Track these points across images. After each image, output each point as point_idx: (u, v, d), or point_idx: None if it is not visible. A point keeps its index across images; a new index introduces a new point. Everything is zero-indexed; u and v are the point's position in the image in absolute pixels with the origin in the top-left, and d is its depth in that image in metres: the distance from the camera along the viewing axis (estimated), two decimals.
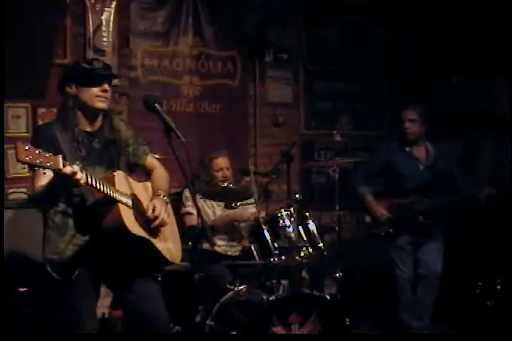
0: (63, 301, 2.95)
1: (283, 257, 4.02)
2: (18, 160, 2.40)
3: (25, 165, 2.53)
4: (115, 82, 4.61)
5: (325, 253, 4.22)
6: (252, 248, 4.16)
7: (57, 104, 3.08)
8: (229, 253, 4.50)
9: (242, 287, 3.98)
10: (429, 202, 4.53)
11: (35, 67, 4.68)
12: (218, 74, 5.55)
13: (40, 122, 4.66)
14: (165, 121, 2.93)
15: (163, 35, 5.30)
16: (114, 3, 4.99)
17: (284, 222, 4.12)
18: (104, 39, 4.95)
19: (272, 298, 3.78)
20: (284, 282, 4.04)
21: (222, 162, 4.57)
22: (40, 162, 2.44)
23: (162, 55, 5.31)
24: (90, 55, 4.85)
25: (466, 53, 5.76)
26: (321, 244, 4.20)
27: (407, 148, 4.69)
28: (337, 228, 4.72)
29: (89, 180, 2.71)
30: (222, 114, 5.55)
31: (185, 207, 4.51)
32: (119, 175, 2.97)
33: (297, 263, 4.17)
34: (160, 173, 3.26)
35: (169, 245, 3.17)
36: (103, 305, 4.19)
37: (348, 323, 3.81)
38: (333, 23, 6.00)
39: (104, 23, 4.95)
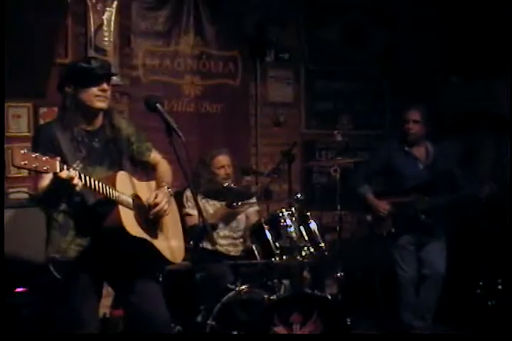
0: (65, 301, 2.95)
1: (284, 257, 4.03)
2: (14, 166, 2.39)
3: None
4: (116, 81, 4.65)
5: (326, 253, 4.21)
6: (254, 247, 4.17)
7: (58, 104, 3.07)
8: (231, 253, 4.50)
9: (243, 287, 3.98)
10: (430, 200, 4.53)
11: (36, 66, 4.67)
12: (219, 74, 5.55)
13: (42, 121, 4.66)
14: (166, 121, 2.92)
15: (165, 34, 5.29)
16: (116, 2, 4.99)
17: (285, 221, 4.12)
18: (106, 39, 4.95)
19: (274, 297, 3.78)
20: (286, 282, 4.04)
21: (223, 159, 4.58)
22: (36, 166, 2.42)
23: (163, 55, 5.31)
24: (91, 54, 4.84)
25: (466, 53, 5.76)
26: (322, 244, 4.19)
27: (407, 148, 4.69)
28: (338, 228, 4.72)
29: (88, 182, 2.69)
30: (223, 113, 5.54)
31: (185, 207, 4.51)
32: (122, 176, 2.96)
33: (298, 263, 4.17)
34: (164, 167, 3.26)
35: (172, 243, 3.17)
36: (104, 304, 4.19)
37: (349, 323, 3.81)
38: (333, 23, 6.00)
39: (105, 22, 4.95)
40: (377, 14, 6.13)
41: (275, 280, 3.99)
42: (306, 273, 4.47)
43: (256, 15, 5.60)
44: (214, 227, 4.39)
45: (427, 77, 5.87)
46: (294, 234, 4.09)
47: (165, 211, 3.09)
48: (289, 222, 4.12)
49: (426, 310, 4.69)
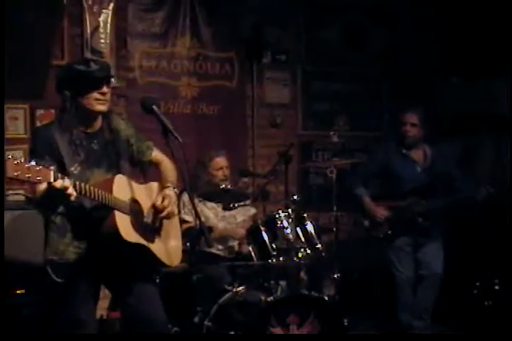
0: (62, 303, 2.95)
1: (281, 258, 4.03)
2: (7, 177, 2.35)
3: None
4: (113, 83, 4.63)
5: (323, 254, 4.21)
6: (250, 249, 4.17)
7: (56, 106, 3.06)
8: (227, 255, 4.51)
9: (240, 288, 3.98)
10: (428, 203, 4.53)
11: (34, 68, 4.68)
12: (216, 76, 5.56)
13: (39, 123, 4.66)
14: (162, 123, 2.91)
15: (161, 36, 5.30)
16: (112, 4, 5.00)
17: (281, 223, 4.11)
18: (102, 40, 4.96)
19: (270, 298, 3.78)
20: (282, 283, 4.04)
21: (221, 161, 4.59)
22: (29, 177, 2.39)
23: (160, 57, 5.31)
24: (88, 56, 4.86)
25: (466, 53, 5.77)
26: (318, 245, 4.19)
27: (405, 151, 4.69)
28: (335, 229, 4.72)
29: (83, 190, 2.67)
30: (220, 115, 5.55)
31: (180, 213, 4.50)
32: (119, 179, 2.93)
33: (295, 264, 4.16)
34: (168, 166, 3.22)
35: (172, 243, 3.17)
36: (101, 306, 4.19)
37: (346, 324, 3.82)
38: (333, 24, 6.00)
39: (101, 24, 4.96)
40: (377, 14, 6.15)
41: (272, 282, 3.99)
42: (302, 274, 4.46)
43: (253, 16, 5.61)
44: (211, 229, 4.39)
45: (426, 78, 5.87)
46: (290, 235, 4.09)
47: (172, 214, 3.10)
48: (285, 223, 4.11)
49: (423, 310, 4.69)
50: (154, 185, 3.19)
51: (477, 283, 5.06)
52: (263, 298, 3.81)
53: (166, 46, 5.33)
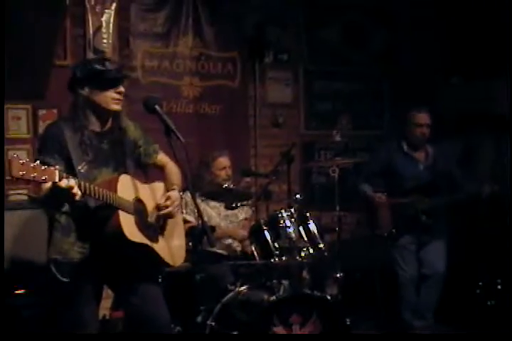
0: (65, 302, 2.95)
1: (283, 257, 4.03)
2: (12, 176, 2.36)
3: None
4: None
5: (325, 253, 4.21)
6: (253, 248, 4.17)
7: (69, 104, 3.01)
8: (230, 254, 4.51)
9: (243, 287, 3.98)
10: (431, 201, 4.53)
11: (35, 68, 4.67)
12: (218, 75, 5.55)
13: (41, 123, 4.66)
14: (165, 123, 2.93)
15: (163, 36, 5.30)
16: (114, 4, 4.99)
17: (284, 222, 4.12)
18: (104, 40, 4.96)
19: (273, 298, 3.77)
20: (285, 282, 4.03)
21: (224, 161, 4.60)
22: (34, 176, 2.40)
23: (162, 56, 5.31)
24: (90, 56, 4.85)
25: (466, 53, 5.77)
26: (321, 245, 4.19)
27: (406, 149, 4.69)
28: (337, 228, 4.72)
29: (88, 189, 2.68)
30: (222, 115, 5.55)
31: (182, 213, 4.50)
32: (124, 179, 2.94)
33: (298, 263, 4.16)
34: (173, 169, 3.25)
35: (175, 243, 3.18)
36: (104, 306, 4.19)
37: (348, 323, 3.81)
38: (333, 23, 6.00)
39: (104, 24, 4.95)
40: (377, 14, 6.14)
41: (274, 281, 3.99)
42: (305, 274, 4.46)
43: (255, 16, 5.60)
44: (213, 229, 4.39)
45: (426, 77, 5.87)
46: (293, 235, 4.09)
47: (172, 214, 3.10)
48: (288, 222, 4.12)
49: (426, 309, 4.70)
50: (159, 185, 3.21)
51: (480, 283, 5.06)
52: (266, 297, 3.81)
53: (169, 46, 5.33)
